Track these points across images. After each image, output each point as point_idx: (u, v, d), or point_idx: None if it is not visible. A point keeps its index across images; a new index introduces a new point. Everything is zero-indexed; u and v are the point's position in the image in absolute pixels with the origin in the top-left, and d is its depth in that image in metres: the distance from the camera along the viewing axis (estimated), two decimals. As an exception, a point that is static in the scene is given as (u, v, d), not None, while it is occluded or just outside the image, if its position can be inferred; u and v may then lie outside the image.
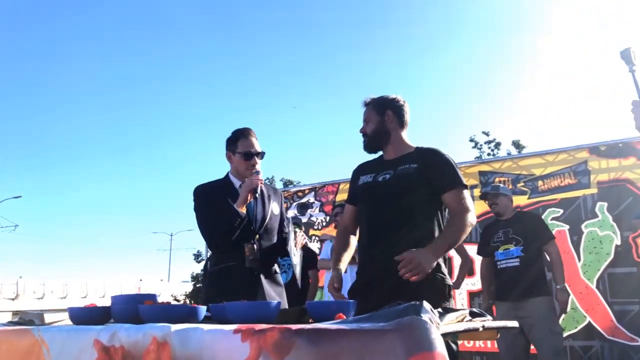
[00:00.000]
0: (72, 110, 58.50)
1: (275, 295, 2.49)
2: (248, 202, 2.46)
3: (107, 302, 1.77)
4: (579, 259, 4.71)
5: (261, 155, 2.58)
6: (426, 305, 1.05)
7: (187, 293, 24.33)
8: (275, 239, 2.62)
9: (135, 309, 1.58)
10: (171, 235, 38.73)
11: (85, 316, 1.67)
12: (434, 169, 2.23)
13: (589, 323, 4.64)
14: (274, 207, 2.63)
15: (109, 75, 58.93)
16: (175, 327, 1.26)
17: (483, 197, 4.20)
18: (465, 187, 2.23)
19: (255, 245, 2.47)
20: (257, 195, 2.48)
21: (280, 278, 2.62)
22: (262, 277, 2.48)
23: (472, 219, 2.17)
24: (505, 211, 4.00)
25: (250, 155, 2.54)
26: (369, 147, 2.41)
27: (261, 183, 2.50)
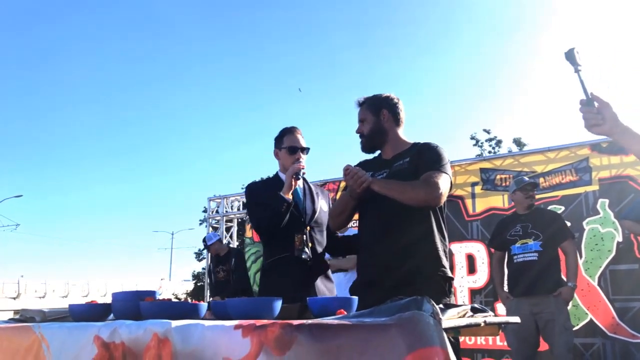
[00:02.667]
0: (74, 109, 58.51)
1: (326, 290, 2.54)
2: (293, 187, 2.50)
3: (108, 301, 1.76)
4: (581, 256, 4.70)
5: (306, 150, 2.67)
6: (428, 300, 1.04)
7: (189, 292, 24.38)
8: (325, 234, 2.68)
9: (136, 305, 1.57)
10: (172, 234, 38.69)
11: (86, 313, 1.67)
12: (421, 157, 2.22)
13: (591, 320, 4.63)
14: (322, 204, 2.71)
15: (110, 75, 58.93)
16: (176, 323, 1.25)
17: (522, 187, 4.09)
18: (445, 173, 2.16)
19: (305, 236, 2.53)
20: (299, 179, 2.54)
21: (330, 273, 2.66)
22: (314, 268, 2.54)
23: (429, 191, 2.08)
24: (529, 205, 4.02)
25: (295, 150, 2.64)
26: (366, 148, 2.40)
27: (302, 168, 2.54)
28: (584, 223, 4.81)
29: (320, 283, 2.53)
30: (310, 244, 2.53)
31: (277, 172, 2.74)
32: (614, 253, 4.65)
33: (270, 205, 2.47)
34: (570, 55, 1.66)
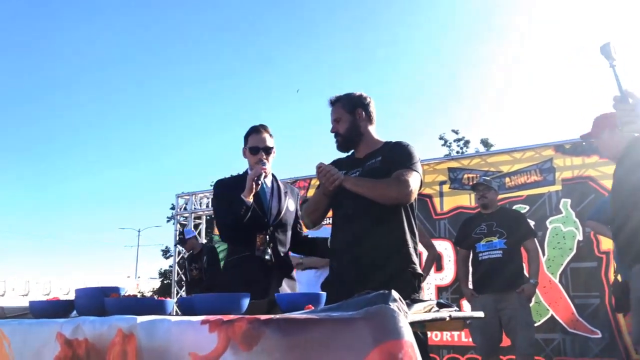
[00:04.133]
0: (39, 104, 56.85)
1: (287, 288, 2.53)
2: (254, 190, 2.48)
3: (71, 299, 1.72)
4: (544, 254, 4.83)
5: (269, 150, 2.64)
6: (394, 294, 1.06)
7: (155, 289, 24.01)
8: (289, 234, 2.67)
9: (100, 302, 1.54)
10: (139, 232, 37.97)
11: (48, 310, 1.62)
12: (392, 156, 2.26)
13: (552, 316, 4.77)
14: (289, 204, 2.68)
15: (76, 67, 57.38)
16: (141, 318, 1.23)
17: (474, 187, 4.26)
18: (415, 171, 2.21)
19: (267, 237, 2.52)
20: (259, 183, 2.49)
21: (294, 272, 2.66)
22: (275, 269, 2.52)
23: (400, 188, 2.13)
24: (491, 205, 4.12)
25: (257, 150, 2.61)
26: (343, 147, 2.42)
27: (264, 171, 2.50)
28: (547, 222, 4.95)
29: (281, 281, 2.52)
30: (272, 244, 2.53)
31: (246, 170, 2.72)
32: (574, 251, 4.80)
33: (232, 206, 2.46)
34: (605, 50, 1.62)
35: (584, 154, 4.91)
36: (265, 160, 2.58)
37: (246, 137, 2.69)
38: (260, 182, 2.48)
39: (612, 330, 4.50)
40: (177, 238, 6.55)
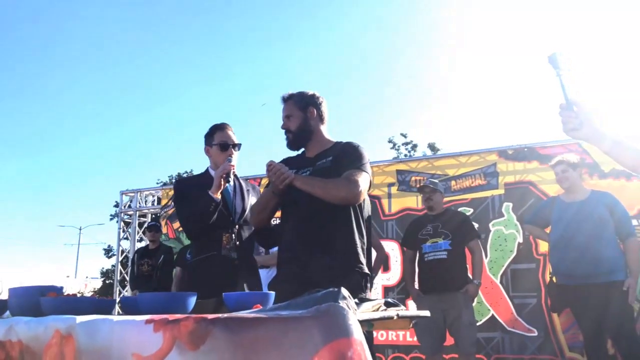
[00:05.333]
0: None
1: (254, 286, 2.52)
2: (222, 187, 2.49)
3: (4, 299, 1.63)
4: (486, 256, 5.00)
5: (238, 146, 2.67)
6: (344, 291, 1.06)
7: (96, 290, 23.20)
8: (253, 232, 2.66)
9: (36, 302, 1.47)
10: (80, 229, 36.47)
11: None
12: (342, 156, 2.28)
13: (492, 316, 4.95)
14: (252, 201, 2.68)
15: (17, 50, 54.41)
16: (81, 318, 1.18)
17: (420, 189, 4.35)
18: (365, 171, 2.23)
19: (233, 235, 2.52)
20: (230, 180, 2.51)
21: (258, 269, 2.67)
22: (242, 267, 2.52)
23: (350, 188, 2.15)
24: (437, 207, 4.22)
25: (227, 146, 2.63)
26: (293, 144, 2.41)
27: (233, 169, 2.52)
28: (490, 225, 5.12)
29: (248, 279, 2.52)
30: (237, 243, 2.53)
31: (207, 169, 2.72)
32: (515, 253, 4.99)
33: (198, 204, 2.45)
34: (553, 59, 1.68)
35: (526, 160, 5.12)
36: (233, 159, 2.58)
37: (210, 134, 2.69)
38: (230, 179, 2.50)
39: (547, 328, 4.71)
40: (149, 223, 6.32)
